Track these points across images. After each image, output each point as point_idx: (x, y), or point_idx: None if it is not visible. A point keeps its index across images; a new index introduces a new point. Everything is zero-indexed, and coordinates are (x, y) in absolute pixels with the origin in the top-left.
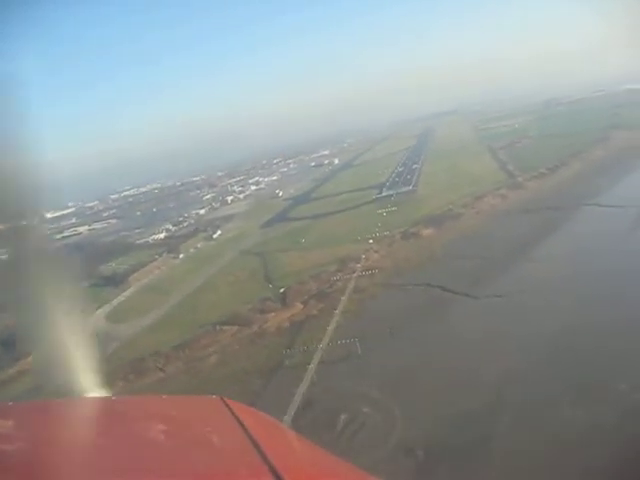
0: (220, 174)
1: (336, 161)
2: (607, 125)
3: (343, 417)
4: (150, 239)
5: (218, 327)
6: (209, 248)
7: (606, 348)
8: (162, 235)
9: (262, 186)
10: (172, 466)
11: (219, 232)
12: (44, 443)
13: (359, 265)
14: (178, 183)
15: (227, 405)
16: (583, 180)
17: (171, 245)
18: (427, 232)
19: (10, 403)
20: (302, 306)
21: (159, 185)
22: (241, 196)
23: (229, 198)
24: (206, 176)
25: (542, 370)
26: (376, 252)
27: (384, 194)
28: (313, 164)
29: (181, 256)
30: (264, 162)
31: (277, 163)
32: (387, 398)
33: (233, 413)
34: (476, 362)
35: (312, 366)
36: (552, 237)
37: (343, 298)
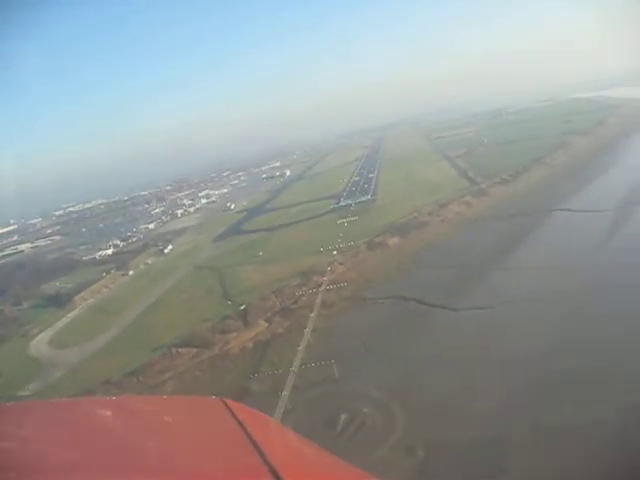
0: (168, 188)
1: (288, 172)
2: (563, 131)
3: None
4: (97, 255)
5: (174, 350)
6: (161, 263)
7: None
8: (110, 251)
9: (213, 199)
10: (172, 466)
11: (170, 247)
12: (44, 443)
13: (324, 278)
14: (125, 198)
15: (227, 405)
16: (549, 185)
17: (120, 261)
18: (393, 241)
19: (10, 403)
20: (266, 324)
21: (105, 200)
22: (191, 209)
23: (179, 212)
24: (154, 190)
25: (534, 396)
26: (341, 264)
27: (342, 204)
28: (264, 176)
29: (131, 273)
30: (213, 175)
31: (227, 176)
32: (372, 430)
33: (233, 413)
34: (465, 386)
35: (285, 393)
36: (528, 244)
37: (312, 315)
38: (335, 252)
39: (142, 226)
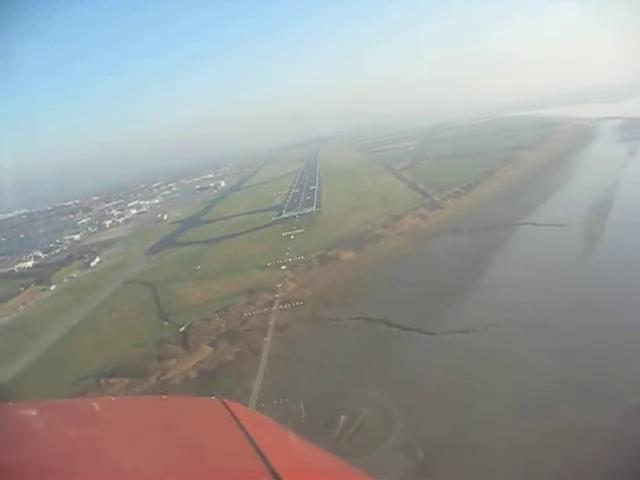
0: (95, 198)
1: (222, 184)
2: (507, 147)
3: None
4: (16, 268)
5: (103, 380)
6: (86, 278)
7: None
8: (30, 263)
9: (144, 209)
10: (172, 466)
11: (97, 259)
12: (44, 443)
13: (275, 296)
14: (49, 208)
15: (226, 406)
16: (505, 198)
17: (41, 275)
18: (348, 255)
19: (10, 403)
20: (211, 349)
21: (27, 210)
22: (121, 220)
23: (107, 222)
24: (80, 200)
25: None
26: (292, 280)
27: (285, 215)
28: (198, 187)
29: (53, 287)
30: (142, 186)
31: (157, 187)
32: None
33: (232, 414)
34: (461, 436)
35: None
36: (499, 260)
37: (266, 339)
38: (284, 267)
39: (67, 237)
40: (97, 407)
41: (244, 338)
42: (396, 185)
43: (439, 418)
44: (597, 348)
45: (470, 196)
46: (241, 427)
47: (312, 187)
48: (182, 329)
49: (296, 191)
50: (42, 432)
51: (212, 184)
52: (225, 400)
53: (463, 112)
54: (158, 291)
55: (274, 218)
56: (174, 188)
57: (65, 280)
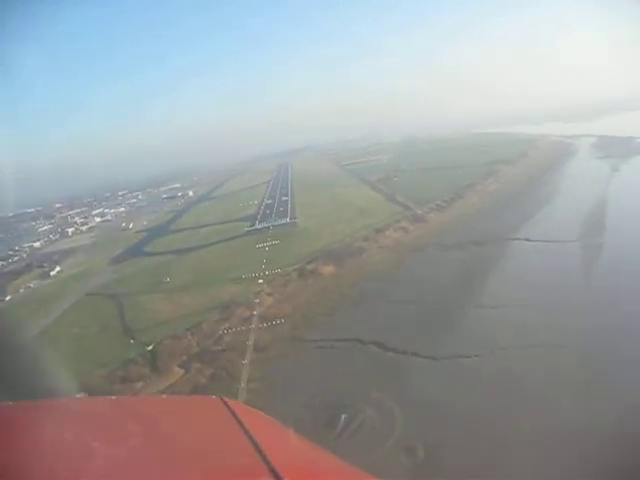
0: (59, 205)
1: (191, 193)
2: (485, 161)
3: None
4: None
5: None
6: (45, 288)
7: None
8: None
9: (108, 217)
10: (172, 466)
11: (58, 268)
12: (44, 443)
13: (252, 313)
14: (9, 214)
15: (227, 405)
16: (490, 213)
17: None
18: (328, 270)
19: (10, 403)
20: (182, 371)
21: None
22: (84, 228)
23: (70, 230)
24: (42, 207)
25: None
26: (270, 295)
27: (258, 226)
28: (165, 196)
29: (8, 298)
30: (108, 194)
31: (123, 195)
32: None
33: (233, 413)
34: None
35: None
36: (495, 277)
37: (245, 361)
38: (261, 280)
39: (26, 244)
40: (97, 407)
41: (219, 359)
42: (374, 197)
43: (455, 465)
44: (621, 377)
45: (453, 210)
46: (241, 426)
47: (284, 198)
48: (150, 348)
49: (268, 202)
50: (41, 432)
51: (180, 193)
52: (225, 399)
53: (434, 127)
54: (123, 304)
55: (247, 228)
56: (140, 197)
57: (22, 290)
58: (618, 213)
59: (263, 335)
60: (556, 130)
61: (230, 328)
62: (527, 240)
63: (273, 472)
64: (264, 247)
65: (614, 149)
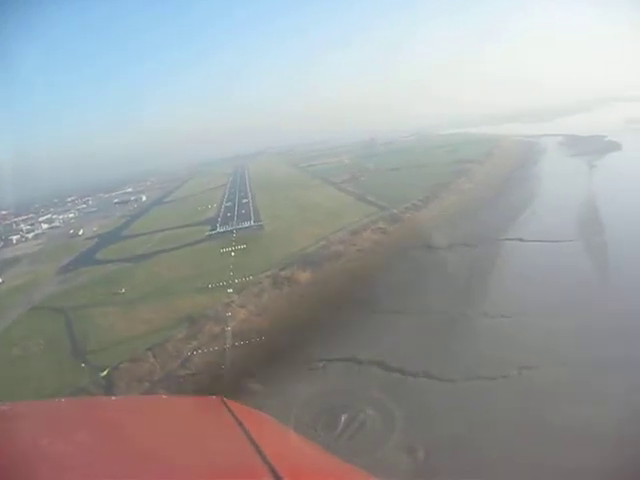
0: (3, 212)
1: (144, 198)
2: (453, 160)
3: None
4: None
5: None
6: None
7: None
8: None
9: (57, 224)
10: (172, 465)
11: None
12: (44, 443)
13: (223, 328)
14: None
15: (227, 406)
16: (472, 212)
17: None
18: (305, 276)
19: (10, 403)
20: None
21: None
22: (30, 235)
23: (14, 238)
24: None
25: None
26: (242, 307)
27: (221, 230)
28: (117, 200)
29: None
30: (56, 200)
31: (72, 201)
32: None
33: (233, 413)
34: None
35: None
36: (494, 280)
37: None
38: (230, 290)
39: None
40: (97, 407)
41: (188, 386)
42: (342, 198)
43: None
44: None
45: (431, 209)
46: (241, 426)
47: (245, 200)
48: (104, 374)
49: (228, 204)
50: (42, 432)
51: (132, 197)
52: (226, 399)
53: (390, 130)
54: (72, 320)
55: (208, 232)
56: (90, 202)
57: None
58: (610, 210)
59: (240, 355)
60: (516, 131)
61: (199, 347)
62: (521, 240)
63: (273, 472)
64: (230, 252)
65: (582, 147)
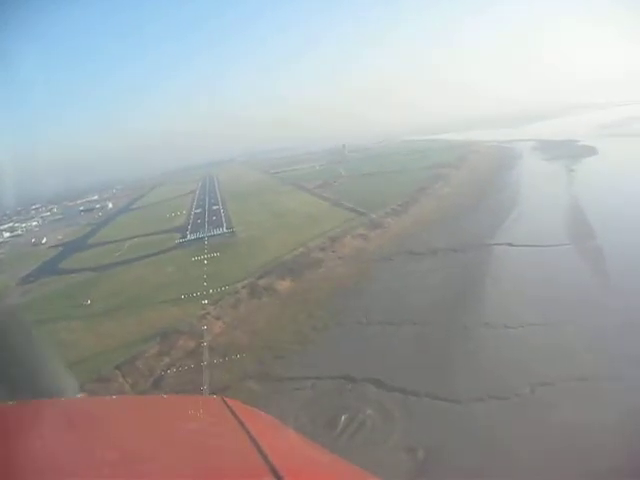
0: None
1: (110, 205)
2: (427, 165)
3: None
4: None
5: None
6: None
7: None
8: None
9: (19, 232)
10: (172, 466)
11: None
12: (44, 443)
13: (199, 343)
14: None
15: (227, 405)
16: (454, 217)
17: None
18: (285, 285)
19: (10, 403)
20: None
21: None
22: None
23: None
24: None
25: None
26: (218, 319)
27: (191, 237)
28: (82, 208)
29: None
30: (19, 209)
31: (36, 209)
32: None
33: (234, 413)
34: None
35: None
36: (488, 288)
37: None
38: (205, 301)
39: None
40: (97, 407)
41: None
42: (317, 204)
43: None
44: None
45: (411, 214)
46: (242, 425)
47: (215, 207)
48: None
49: (198, 211)
50: (41, 432)
51: (98, 205)
52: (226, 398)
53: (359, 136)
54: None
55: (178, 240)
56: (55, 210)
57: None
58: (597, 213)
59: (217, 373)
60: (485, 137)
61: (173, 365)
62: (510, 245)
63: (274, 472)
64: (202, 260)
65: (557, 152)
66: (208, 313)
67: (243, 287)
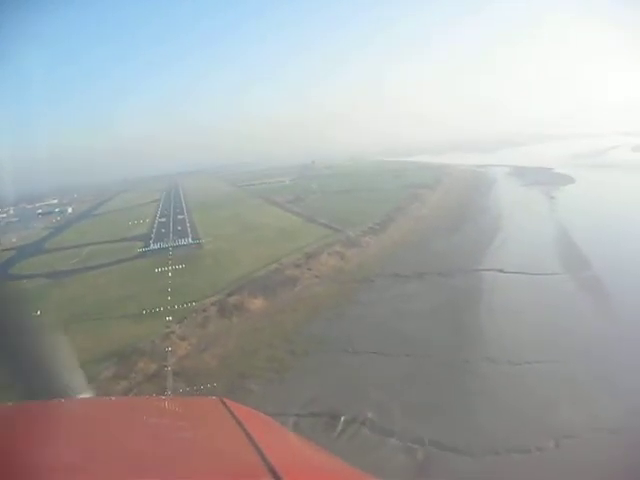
0: None
1: (70, 210)
2: (402, 185)
3: None
4: None
5: None
6: None
7: None
8: None
9: None
10: (172, 467)
11: None
12: (44, 443)
13: (162, 366)
14: None
15: (227, 406)
16: (435, 239)
17: None
18: (257, 304)
19: (10, 403)
20: None
21: None
22: None
23: None
24: None
25: None
26: (183, 339)
27: (154, 247)
28: (40, 211)
29: None
30: None
31: None
32: None
33: (233, 414)
34: None
35: None
36: (484, 317)
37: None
38: (169, 318)
39: None
40: (97, 407)
41: None
42: (290, 218)
43: None
44: None
45: (389, 234)
46: (241, 426)
47: (181, 216)
48: None
49: (162, 220)
50: (42, 432)
51: (57, 209)
52: (226, 399)
53: (329, 154)
54: None
55: (140, 249)
56: (11, 212)
57: None
58: (587, 243)
59: None
60: (458, 160)
61: (131, 390)
62: (501, 272)
63: (273, 473)
64: (166, 272)
65: (533, 178)
66: (172, 332)
67: (212, 304)
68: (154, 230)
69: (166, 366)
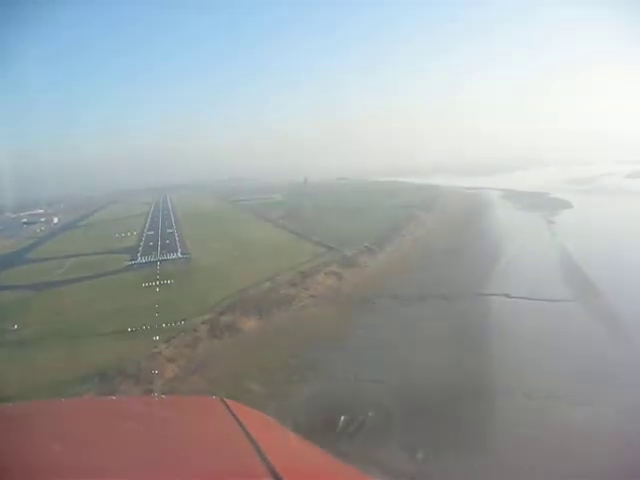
0: None
1: (55, 220)
2: (396, 205)
3: None
4: None
5: None
6: None
7: None
8: None
9: None
10: (172, 466)
11: None
12: (44, 443)
13: (146, 389)
14: None
15: (226, 405)
16: (435, 261)
17: None
18: (250, 324)
19: (10, 403)
20: None
21: None
22: None
23: None
24: None
25: None
26: (172, 360)
27: (142, 261)
28: (25, 221)
29: None
30: None
31: None
32: None
33: (232, 413)
34: None
35: None
36: (495, 345)
37: None
38: (156, 337)
39: None
40: (97, 407)
41: None
42: (282, 235)
43: None
44: None
45: (387, 254)
46: (241, 426)
47: (170, 230)
48: None
49: (150, 233)
50: (41, 432)
51: (43, 219)
52: (226, 399)
53: (319, 173)
54: None
55: (127, 263)
56: None
57: None
58: (595, 269)
59: None
60: (446, 182)
61: None
62: (507, 297)
63: (273, 472)
64: (154, 288)
65: (527, 202)
66: (159, 352)
67: (202, 323)
68: (142, 243)
69: (152, 390)
